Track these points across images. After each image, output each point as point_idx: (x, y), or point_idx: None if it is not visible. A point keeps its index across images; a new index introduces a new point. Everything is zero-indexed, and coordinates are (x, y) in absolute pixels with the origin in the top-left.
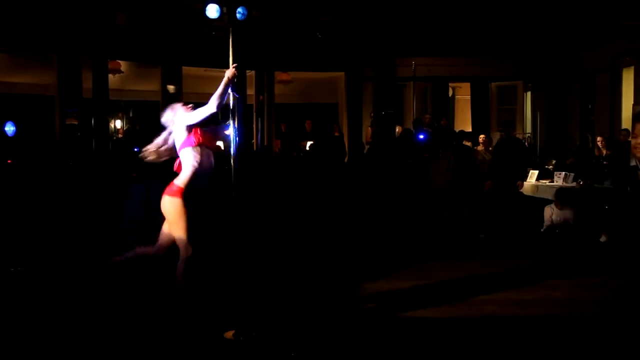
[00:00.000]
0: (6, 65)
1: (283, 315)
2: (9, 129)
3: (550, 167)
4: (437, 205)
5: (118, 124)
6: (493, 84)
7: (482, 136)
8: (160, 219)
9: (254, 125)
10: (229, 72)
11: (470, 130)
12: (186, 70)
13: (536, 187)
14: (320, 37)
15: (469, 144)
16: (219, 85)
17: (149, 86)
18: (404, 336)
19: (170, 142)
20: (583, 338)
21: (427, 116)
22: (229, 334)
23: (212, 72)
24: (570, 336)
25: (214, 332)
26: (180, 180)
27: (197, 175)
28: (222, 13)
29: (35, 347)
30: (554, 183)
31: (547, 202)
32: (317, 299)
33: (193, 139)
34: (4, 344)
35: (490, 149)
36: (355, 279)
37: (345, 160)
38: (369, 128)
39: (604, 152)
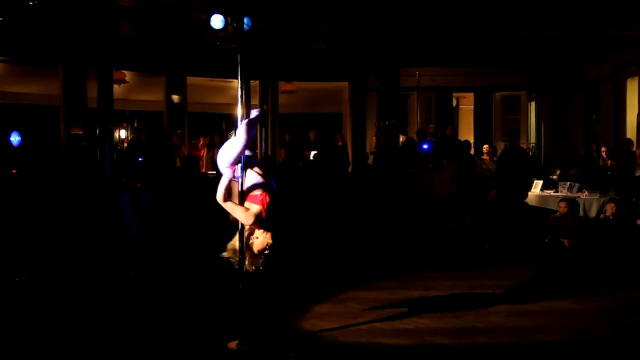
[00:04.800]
0: (12, 75)
1: (286, 324)
2: (15, 138)
3: (555, 177)
4: (440, 216)
5: (123, 133)
6: (497, 94)
7: (485, 146)
8: None
9: (258, 135)
10: None
11: (473, 140)
12: (190, 80)
13: (541, 197)
14: (324, 47)
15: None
16: (222, 95)
17: (154, 96)
18: (406, 345)
19: None
20: (588, 349)
21: (431, 126)
22: (233, 344)
23: (217, 82)
24: (576, 346)
25: (217, 342)
26: None
27: None
28: (226, 23)
29: (37, 354)
30: (559, 193)
31: (552, 212)
32: (320, 307)
33: None
34: (9, 349)
35: (495, 158)
36: (359, 288)
37: (349, 170)
38: (374, 138)
39: (609, 162)
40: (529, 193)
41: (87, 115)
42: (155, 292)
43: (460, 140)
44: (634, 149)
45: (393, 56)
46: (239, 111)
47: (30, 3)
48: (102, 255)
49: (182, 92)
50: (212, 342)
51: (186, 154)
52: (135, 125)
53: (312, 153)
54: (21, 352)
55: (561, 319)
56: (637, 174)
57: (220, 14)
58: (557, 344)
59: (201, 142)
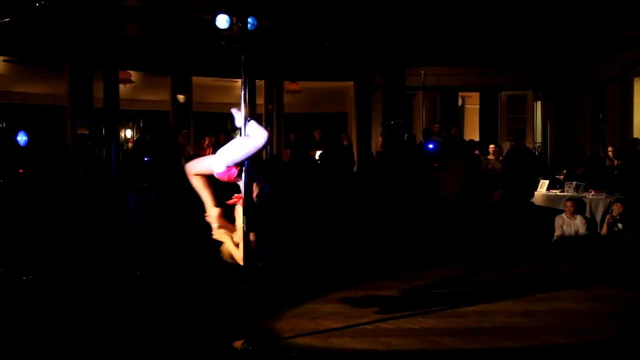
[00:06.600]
0: (18, 75)
1: (290, 324)
2: (21, 138)
3: (561, 177)
4: (446, 216)
5: (128, 133)
6: (503, 94)
7: (492, 146)
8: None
9: None
10: None
11: (478, 139)
12: (196, 80)
13: (547, 197)
14: (329, 46)
15: (477, 153)
16: (228, 95)
17: (159, 96)
18: (411, 345)
19: None
20: (595, 349)
21: (437, 125)
22: (238, 344)
23: (222, 82)
24: (582, 347)
25: (223, 341)
26: None
27: None
28: (231, 23)
29: (43, 352)
30: (565, 193)
31: (558, 211)
32: (324, 307)
33: None
34: (16, 347)
35: (501, 158)
36: (364, 288)
37: (354, 169)
38: (379, 137)
39: (615, 161)
40: (535, 193)
41: (93, 115)
42: (160, 291)
43: (465, 140)
44: None
45: (398, 56)
46: (242, 110)
47: (37, 4)
48: (108, 255)
49: (187, 92)
50: (217, 341)
51: (191, 153)
52: (141, 125)
53: (318, 153)
54: (28, 351)
55: (567, 320)
56: None
57: (226, 14)
58: (563, 344)
59: (206, 142)
